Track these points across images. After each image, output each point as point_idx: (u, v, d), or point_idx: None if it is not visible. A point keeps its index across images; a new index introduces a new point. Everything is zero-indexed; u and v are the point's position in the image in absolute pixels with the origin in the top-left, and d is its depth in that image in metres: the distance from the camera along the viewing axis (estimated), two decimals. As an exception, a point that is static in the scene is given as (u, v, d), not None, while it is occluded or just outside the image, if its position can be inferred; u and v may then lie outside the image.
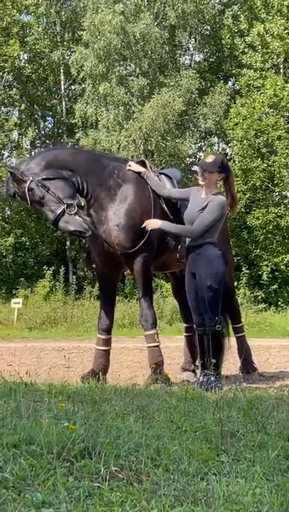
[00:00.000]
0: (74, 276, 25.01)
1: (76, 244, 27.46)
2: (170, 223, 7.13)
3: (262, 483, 2.89)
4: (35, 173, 6.91)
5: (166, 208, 7.43)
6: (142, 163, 7.69)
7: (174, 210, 7.59)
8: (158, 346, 7.23)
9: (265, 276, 26.99)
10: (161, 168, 8.22)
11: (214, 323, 6.71)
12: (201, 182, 7.07)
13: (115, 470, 2.93)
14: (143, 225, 7.04)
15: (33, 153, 31.16)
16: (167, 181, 7.69)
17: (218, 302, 6.80)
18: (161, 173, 7.87)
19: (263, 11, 28.97)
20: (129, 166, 7.46)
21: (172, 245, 7.45)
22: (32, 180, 6.83)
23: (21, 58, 29.96)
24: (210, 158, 7.09)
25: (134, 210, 7.20)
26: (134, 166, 7.45)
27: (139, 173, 7.39)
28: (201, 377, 6.81)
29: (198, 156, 30.57)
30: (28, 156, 29.06)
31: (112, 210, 7.18)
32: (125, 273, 8.36)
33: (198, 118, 28.72)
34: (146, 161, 7.82)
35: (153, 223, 7.03)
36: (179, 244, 7.35)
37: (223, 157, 7.37)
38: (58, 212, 6.85)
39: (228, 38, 30.20)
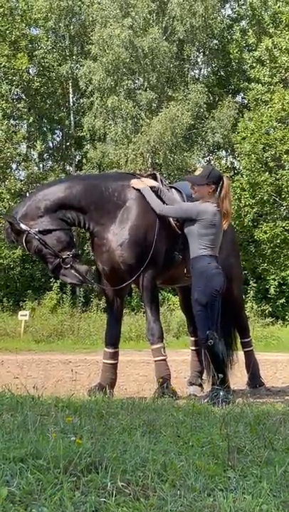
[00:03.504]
0: (81, 289, 25.00)
1: (84, 256, 27.46)
2: (149, 190, 7.26)
3: (269, 500, 2.87)
4: (31, 222, 7.00)
5: (173, 223, 7.41)
6: (153, 177, 7.69)
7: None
8: (165, 360, 7.21)
9: (272, 290, 26.97)
10: (170, 182, 8.20)
11: (204, 339, 6.67)
12: (193, 196, 7.11)
13: (122, 485, 2.92)
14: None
15: (41, 166, 31.28)
16: (178, 195, 7.66)
17: (208, 317, 6.70)
18: (171, 187, 7.85)
19: (271, 25, 29.12)
20: (137, 181, 7.44)
21: (179, 259, 7.43)
22: (29, 233, 6.98)
23: (30, 72, 30.12)
24: (198, 172, 7.09)
25: (137, 228, 7.18)
26: (147, 182, 7.44)
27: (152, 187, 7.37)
28: (210, 392, 6.79)
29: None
30: (36, 168, 29.19)
31: (114, 231, 7.18)
32: (132, 286, 8.34)
33: (206, 132, 28.81)
34: (158, 174, 7.82)
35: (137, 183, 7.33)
36: (186, 258, 7.34)
37: (212, 168, 7.28)
38: (55, 265, 7.08)
39: (237, 53, 30.37)
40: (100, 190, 7.29)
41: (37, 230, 6.96)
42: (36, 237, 6.95)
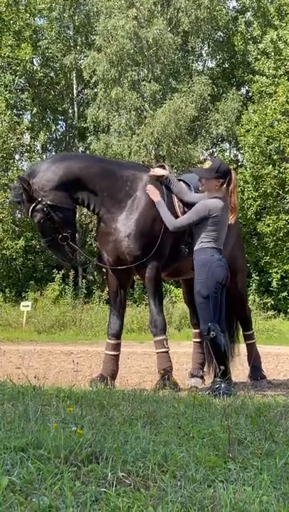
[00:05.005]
0: (83, 280, 25.03)
1: (86, 248, 27.49)
2: (163, 205, 7.14)
3: (269, 491, 2.87)
4: (42, 192, 6.95)
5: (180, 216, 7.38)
6: (162, 168, 7.67)
7: None
8: (167, 352, 7.21)
9: (274, 283, 26.98)
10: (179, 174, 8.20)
11: (206, 331, 6.66)
12: (200, 189, 7.09)
13: (122, 475, 2.92)
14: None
15: (44, 157, 31.20)
16: (186, 188, 7.63)
17: (209, 310, 6.68)
18: (179, 180, 7.83)
19: (277, 17, 29.00)
20: (153, 171, 7.44)
21: (186, 253, 7.39)
22: (39, 203, 6.93)
23: (34, 62, 30.06)
24: (207, 165, 7.01)
25: (145, 219, 7.17)
26: (158, 171, 7.44)
27: (161, 176, 7.37)
28: (211, 384, 6.79)
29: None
30: (39, 159, 29.13)
31: (122, 221, 7.18)
32: (135, 278, 8.32)
33: (210, 124, 28.74)
34: (166, 166, 7.80)
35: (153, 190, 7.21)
36: (192, 251, 7.32)
37: (220, 162, 7.18)
38: (52, 239, 7.10)
39: (241, 45, 30.26)
40: (115, 177, 7.28)
41: (49, 203, 6.94)
42: (45, 209, 6.94)
